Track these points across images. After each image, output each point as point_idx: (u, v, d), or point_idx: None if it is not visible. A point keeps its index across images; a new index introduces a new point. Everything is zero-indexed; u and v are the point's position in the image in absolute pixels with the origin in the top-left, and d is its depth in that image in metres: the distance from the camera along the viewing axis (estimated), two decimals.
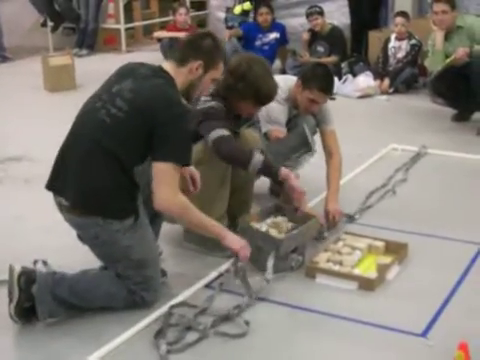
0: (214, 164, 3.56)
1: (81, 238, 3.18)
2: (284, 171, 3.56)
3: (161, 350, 2.88)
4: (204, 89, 3.31)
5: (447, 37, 5.99)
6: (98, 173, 3.03)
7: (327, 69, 4.21)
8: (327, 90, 4.11)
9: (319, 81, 4.05)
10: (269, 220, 3.70)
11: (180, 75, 3.17)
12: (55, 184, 3.12)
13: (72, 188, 3.05)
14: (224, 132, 3.52)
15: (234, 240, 3.25)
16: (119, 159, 3.02)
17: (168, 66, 3.19)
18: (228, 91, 3.62)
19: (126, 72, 3.23)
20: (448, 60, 5.90)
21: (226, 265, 3.54)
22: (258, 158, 3.51)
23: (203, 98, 3.57)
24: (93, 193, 3.03)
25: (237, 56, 3.81)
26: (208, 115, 3.57)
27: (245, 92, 3.60)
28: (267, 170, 3.56)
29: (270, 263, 3.35)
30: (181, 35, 8.30)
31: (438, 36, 6.00)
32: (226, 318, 3.11)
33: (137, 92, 3.06)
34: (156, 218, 3.40)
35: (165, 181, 3.01)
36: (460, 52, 5.83)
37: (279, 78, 4.14)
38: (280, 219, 3.71)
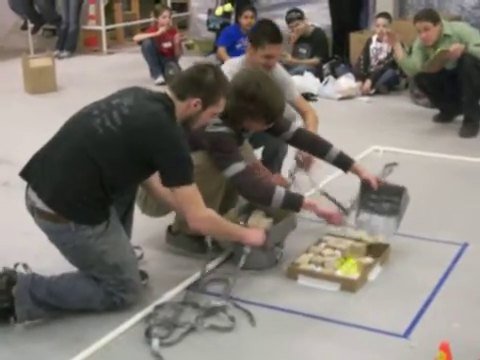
0: (211, 175, 3.55)
1: (53, 243, 3.16)
2: (306, 202, 3.56)
3: (153, 345, 2.90)
4: (203, 123, 3.32)
5: (435, 46, 5.92)
6: (76, 178, 3.02)
7: (270, 22, 4.47)
8: (277, 40, 4.28)
9: (267, 35, 4.26)
10: (245, 216, 3.76)
11: (179, 107, 3.16)
12: (32, 178, 3.11)
13: (49, 186, 3.05)
14: (240, 166, 3.51)
15: (251, 236, 3.41)
16: (100, 171, 3.02)
17: (171, 94, 3.18)
18: (238, 113, 3.54)
19: (130, 89, 3.25)
20: (439, 50, 5.79)
21: (209, 266, 3.54)
22: (279, 193, 3.50)
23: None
24: (67, 196, 3.03)
25: (242, 76, 3.71)
26: (220, 144, 3.52)
27: (256, 113, 3.55)
28: (289, 203, 3.55)
29: (246, 251, 3.41)
30: (158, 33, 8.30)
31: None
32: (211, 312, 3.14)
33: (134, 111, 3.06)
34: (126, 219, 3.44)
35: (193, 203, 3.14)
36: (454, 46, 5.74)
37: (226, 65, 4.41)
38: (256, 214, 3.75)
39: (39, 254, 3.47)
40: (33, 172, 3.12)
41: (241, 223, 3.69)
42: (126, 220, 3.44)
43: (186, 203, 3.14)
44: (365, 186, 3.87)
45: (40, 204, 3.05)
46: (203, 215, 3.17)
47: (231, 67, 4.27)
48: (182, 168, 3.08)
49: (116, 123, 3.04)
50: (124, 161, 3.05)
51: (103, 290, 3.13)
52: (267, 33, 4.26)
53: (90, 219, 3.06)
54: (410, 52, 6.19)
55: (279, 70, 4.47)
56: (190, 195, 3.11)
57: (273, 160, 4.46)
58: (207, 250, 3.51)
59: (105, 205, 3.10)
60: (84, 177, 3.02)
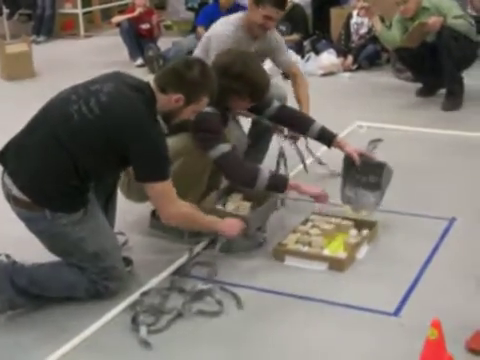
0: (194, 157, 3.50)
1: (31, 232, 3.10)
2: (291, 184, 3.52)
3: (141, 333, 2.86)
4: (183, 119, 3.21)
5: (413, 19, 5.87)
6: (49, 165, 2.96)
7: None
8: (281, 5, 4.22)
9: None
10: (224, 199, 3.72)
11: (160, 100, 3.07)
12: (8, 163, 3.04)
13: (24, 172, 2.99)
14: (226, 147, 3.46)
15: (226, 228, 3.30)
16: (73, 159, 2.95)
17: (153, 85, 3.09)
18: (223, 92, 3.39)
19: (112, 75, 3.16)
20: (417, 22, 5.75)
21: (195, 250, 3.51)
22: (263, 175, 3.45)
23: None
24: (41, 183, 2.96)
25: (227, 54, 3.64)
26: (206, 124, 3.46)
27: (242, 91, 3.51)
28: (274, 184, 3.50)
29: (222, 239, 3.38)
30: (136, 14, 8.21)
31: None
32: (197, 296, 3.10)
33: (112, 99, 2.97)
34: (109, 206, 3.38)
35: (165, 199, 3.06)
36: (433, 19, 5.69)
37: (220, 23, 4.32)
38: (236, 198, 3.71)
39: (21, 242, 3.41)
40: (9, 157, 3.05)
41: (220, 208, 3.63)
42: (109, 207, 3.37)
43: (157, 199, 3.08)
44: (349, 161, 3.84)
45: (15, 191, 2.99)
46: (175, 212, 3.09)
47: (227, 25, 4.23)
48: (155, 164, 2.99)
49: (93, 110, 2.95)
50: (97, 151, 2.97)
51: (87, 278, 3.08)
52: None
53: (66, 207, 2.99)
54: (390, 26, 6.15)
55: (276, 34, 4.43)
56: (162, 191, 3.03)
57: (260, 141, 4.39)
58: (184, 237, 3.47)
59: (82, 193, 3.04)
60: (58, 164, 2.95)
